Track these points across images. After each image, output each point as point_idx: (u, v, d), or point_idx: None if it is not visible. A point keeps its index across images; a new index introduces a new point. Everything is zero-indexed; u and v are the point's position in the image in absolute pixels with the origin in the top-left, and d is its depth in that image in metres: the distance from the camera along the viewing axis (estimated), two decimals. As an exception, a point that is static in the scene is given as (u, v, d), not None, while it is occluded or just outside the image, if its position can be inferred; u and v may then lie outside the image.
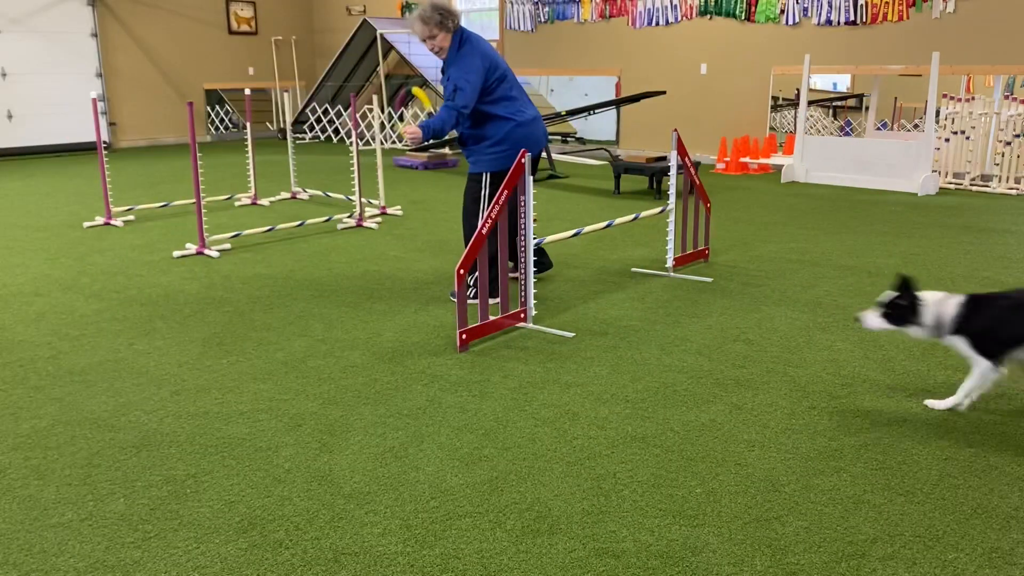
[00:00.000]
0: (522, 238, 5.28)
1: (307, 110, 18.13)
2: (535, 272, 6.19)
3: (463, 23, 6.10)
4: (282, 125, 18.68)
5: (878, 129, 13.00)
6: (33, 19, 15.56)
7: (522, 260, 5.35)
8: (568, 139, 15.73)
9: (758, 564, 2.86)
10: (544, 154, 12.66)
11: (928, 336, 4.14)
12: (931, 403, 4.20)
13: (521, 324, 5.42)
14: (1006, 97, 11.39)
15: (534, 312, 5.48)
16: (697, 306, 5.86)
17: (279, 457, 3.69)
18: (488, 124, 5.91)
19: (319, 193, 10.67)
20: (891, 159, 11.11)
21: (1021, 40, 11.21)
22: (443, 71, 6.02)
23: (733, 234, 8.21)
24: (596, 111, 12.80)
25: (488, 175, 5.92)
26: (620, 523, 3.12)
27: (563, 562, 2.88)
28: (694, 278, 6.56)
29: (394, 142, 16.84)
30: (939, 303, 4.08)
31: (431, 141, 6.24)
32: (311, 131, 18.25)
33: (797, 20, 13.16)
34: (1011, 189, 10.86)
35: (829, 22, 12.83)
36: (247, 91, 10.08)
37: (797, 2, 13.11)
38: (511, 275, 6.23)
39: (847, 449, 3.71)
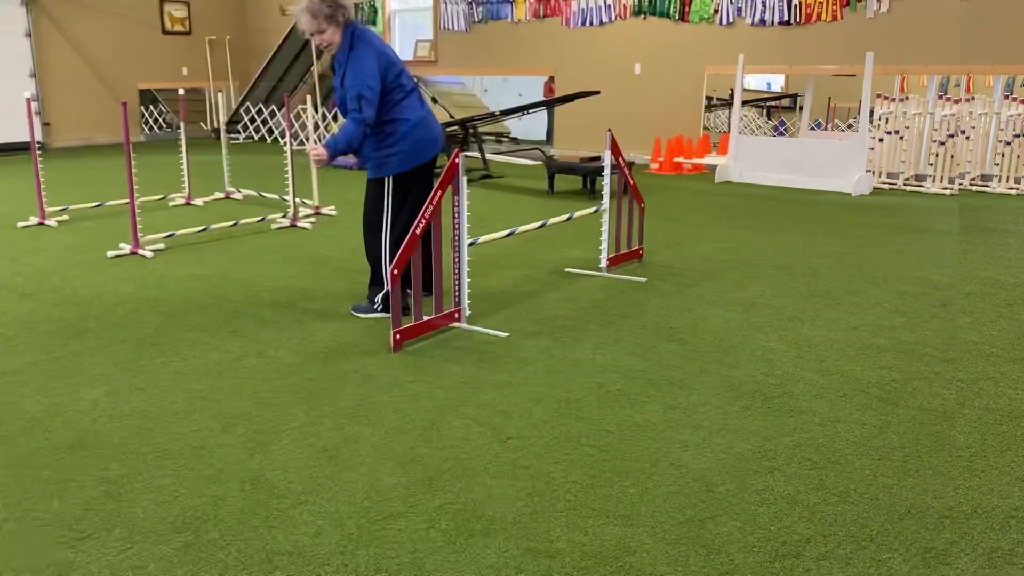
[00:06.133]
0: (456, 239, 5.28)
1: (241, 110, 17.98)
2: None
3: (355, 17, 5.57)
4: (216, 125, 18.52)
5: (812, 129, 13.17)
6: (-36, 20, 15.29)
7: (456, 260, 5.34)
8: (502, 139, 15.76)
9: (692, 564, 2.88)
10: (479, 153, 12.67)
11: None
12: None
13: (455, 324, 5.42)
14: (940, 97, 11.58)
15: (468, 312, 5.48)
16: (631, 306, 5.90)
17: (213, 457, 3.65)
18: (388, 125, 5.46)
19: (253, 193, 10.57)
20: (825, 159, 11.26)
21: (954, 40, 11.41)
22: (334, 70, 5.53)
23: (667, 234, 8.27)
24: (530, 111, 12.82)
25: (391, 180, 5.52)
26: (554, 523, 3.13)
27: (497, 562, 2.89)
28: (628, 278, 6.60)
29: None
30: None
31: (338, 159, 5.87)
32: (245, 131, 18.10)
33: (731, 20, 13.28)
34: (945, 189, 11.05)
35: (763, 22, 12.97)
36: (181, 91, 9.97)
37: (731, 2, 13.23)
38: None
39: (781, 449, 3.75)
